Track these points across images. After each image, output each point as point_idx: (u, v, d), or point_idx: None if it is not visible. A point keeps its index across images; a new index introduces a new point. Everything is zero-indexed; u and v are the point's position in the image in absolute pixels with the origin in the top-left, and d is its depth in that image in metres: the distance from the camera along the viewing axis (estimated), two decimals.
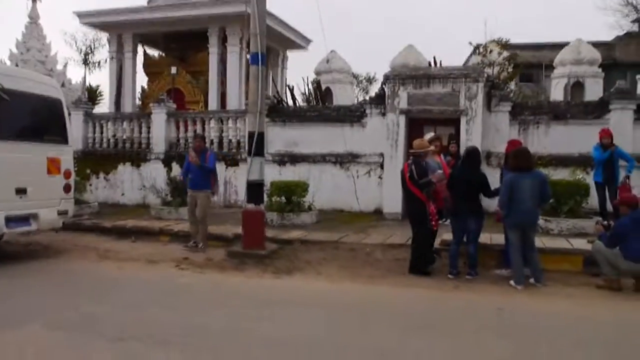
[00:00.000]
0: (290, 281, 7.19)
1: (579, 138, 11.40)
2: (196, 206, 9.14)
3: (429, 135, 8.67)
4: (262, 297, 6.28)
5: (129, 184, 14.87)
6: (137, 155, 14.92)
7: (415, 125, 12.07)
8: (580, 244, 8.00)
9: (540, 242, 7.73)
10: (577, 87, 17.14)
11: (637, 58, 23.88)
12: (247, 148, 8.97)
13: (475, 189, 7.22)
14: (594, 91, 16.72)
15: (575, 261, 7.66)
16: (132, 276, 7.36)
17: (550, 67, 21.03)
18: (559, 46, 20.66)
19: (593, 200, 9.96)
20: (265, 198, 10.00)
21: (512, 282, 6.83)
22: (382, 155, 12.37)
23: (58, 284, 6.93)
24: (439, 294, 6.51)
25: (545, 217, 9.25)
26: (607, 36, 25.87)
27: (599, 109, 11.71)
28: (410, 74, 12.16)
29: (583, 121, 11.68)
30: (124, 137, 15.33)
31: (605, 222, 7.40)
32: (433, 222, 7.31)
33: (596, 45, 18.67)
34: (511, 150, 7.32)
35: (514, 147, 7.44)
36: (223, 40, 21.10)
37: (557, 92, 17.41)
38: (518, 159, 6.92)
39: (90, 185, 14.87)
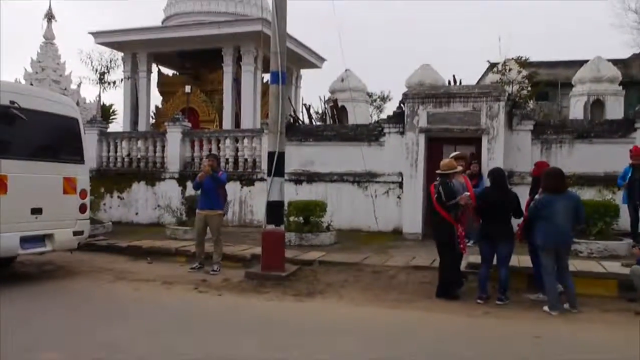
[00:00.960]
0: (313, 304, 6.92)
1: (604, 157, 11.14)
2: (205, 226, 8.89)
3: (453, 154, 8.42)
4: (286, 323, 6.02)
5: (143, 203, 14.73)
6: (152, 174, 14.81)
7: (435, 145, 11.86)
8: (614, 267, 7.69)
9: (571, 265, 7.40)
10: (597, 105, 16.86)
11: None
12: (266, 168, 8.77)
13: (508, 211, 6.94)
14: (614, 109, 16.44)
15: (610, 285, 7.33)
16: (149, 299, 7.13)
17: (566, 84, 20.79)
18: (574, 64, 20.45)
19: (623, 221, 9.64)
20: (283, 218, 9.79)
21: (545, 307, 6.52)
22: (401, 174, 12.15)
23: (74, 306, 6.71)
24: (469, 320, 6.21)
25: (574, 239, 8.92)
26: (624, 54, 25.57)
27: (625, 128, 11.44)
28: (430, 93, 11.97)
29: (608, 140, 11.43)
30: (139, 155, 15.23)
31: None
32: (461, 245, 7.04)
33: (613, 62, 18.41)
34: (541, 172, 7.06)
35: (541, 169, 7.19)
36: (237, 59, 21.13)
37: (576, 110, 17.12)
38: (551, 180, 6.65)
39: (104, 204, 14.76)
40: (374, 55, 58.83)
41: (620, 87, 17.37)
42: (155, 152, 15.05)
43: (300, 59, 23.10)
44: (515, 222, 7.09)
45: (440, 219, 7.13)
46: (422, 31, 64.00)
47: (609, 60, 17.97)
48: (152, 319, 6.13)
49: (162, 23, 23.57)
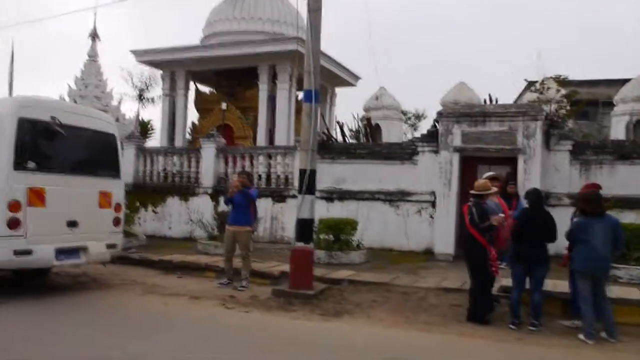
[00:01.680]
0: (340, 324, 6.83)
1: None
2: (234, 242, 8.92)
3: (488, 174, 8.25)
4: (314, 343, 5.94)
5: (176, 218, 14.93)
6: (186, 189, 15.02)
7: (469, 164, 11.68)
8: None
9: (610, 291, 7.11)
10: (639, 125, 16.34)
11: None
12: (297, 185, 8.77)
13: (545, 233, 6.72)
14: None
15: None
16: (178, 313, 7.17)
17: (606, 103, 20.27)
18: (616, 82, 19.97)
19: None
20: (313, 235, 9.76)
21: (581, 335, 6.26)
22: (433, 193, 11.98)
23: (105, 319, 6.81)
24: (502, 347, 6.01)
25: (613, 264, 8.59)
26: None
27: None
28: (464, 112, 11.83)
29: None
30: (174, 170, 15.50)
31: None
32: (494, 268, 6.86)
33: None
34: (581, 193, 6.84)
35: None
36: (272, 78, 21.39)
37: (618, 130, 16.63)
38: (589, 203, 6.44)
39: (139, 218, 15.02)
40: (410, 73, 58.74)
41: None
42: (190, 167, 15.29)
43: (335, 77, 23.22)
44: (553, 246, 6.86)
45: (473, 241, 6.96)
46: (460, 49, 63.54)
47: None
48: (180, 335, 6.14)
49: (201, 42, 24.10)
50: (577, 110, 16.55)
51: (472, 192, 7.26)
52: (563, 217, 8.40)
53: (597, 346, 6.07)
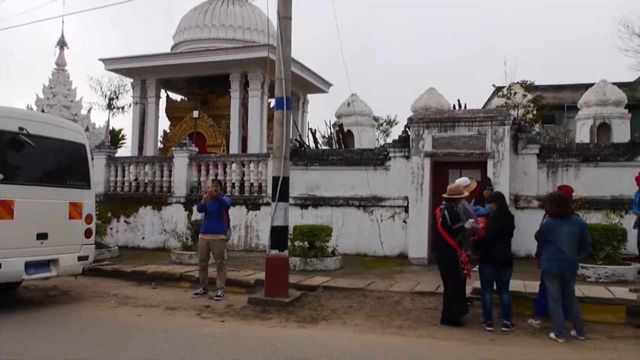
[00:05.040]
0: (316, 331, 6.85)
1: (610, 180, 11.10)
2: (208, 251, 8.87)
3: (464, 179, 8.40)
4: (290, 351, 5.94)
5: (149, 228, 14.77)
6: (158, 199, 14.87)
7: (440, 169, 11.86)
8: (622, 292, 7.57)
9: (578, 290, 7.32)
10: (603, 128, 16.84)
11: None
12: (271, 193, 8.78)
13: (510, 235, 6.90)
14: (621, 132, 16.42)
15: (618, 311, 7.20)
16: (152, 324, 7.10)
17: (571, 108, 20.81)
18: (580, 87, 20.53)
19: (630, 245, 9.53)
20: (288, 242, 9.77)
21: (552, 334, 6.41)
22: (406, 198, 12.13)
23: (78, 332, 6.68)
24: (475, 348, 6.11)
25: (581, 263, 8.83)
26: (630, 77, 25.59)
27: (631, 151, 11.39)
28: (434, 117, 12.02)
29: (614, 163, 11.39)
30: (146, 180, 15.33)
31: None
32: (465, 271, 6.98)
33: (619, 86, 18.44)
34: (549, 195, 7.03)
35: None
36: (245, 85, 21.37)
37: (582, 133, 17.12)
38: (555, 205, 6.62)
39: (111, 228, 14.81)
40: (381, 79, 59.31)
41: (626, 110, 17.35)
42: (162, 176, 15.15)
43: (306, 84, 23.32)
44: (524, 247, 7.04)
45: (444, 244, 7.08)
46: (429, 56, 64.50)
47: (614, 83, 18.01)
48: (155, 346, 6.08)
49: (171, 50, 23.95)
50: (543, 114, 16.99)
51: (445, 195, 7.40)
52: (532, 219, 8.64)
53: (568, 344, 6.23)
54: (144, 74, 22.76)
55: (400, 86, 58.33)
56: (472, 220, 7.27)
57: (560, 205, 6.58)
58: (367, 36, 65.67)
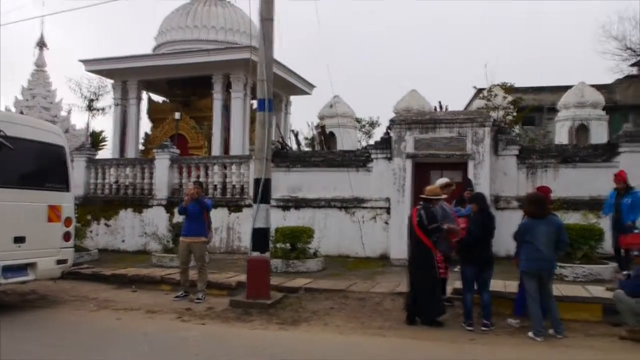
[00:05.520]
0: (297, 333, 6.85)
1: (588, 181, 11.26)
2: (189, 254, 8.82)
3: (443, 180, 8.49)
4: (271, 353, 5.95)
5: (130, 231, 14.63)
6: (139, 201, 14.75)
7: (421, 170, 11.93)
8: (598, 291, 7.69)
9: (556, 289, 7.41)
10: (581, 129, 17.09)
11: (637, 100, 23.98)
12: (252, 194, 8.77)
13: (491, 236, 6.98)
14: (598, 133, 16.67)
15: (594, 310, 7.32)
16: (133, 328, 7.04)
17: (551, 109, 21.08)
18: (559, 89, 20.78)
19: (607, 244, 9.69)
20: (270, 244, 9.76)
21: (530, 333, 6.49)
22: (388, 200, 12.18)
23: (56, 337, 6.60)
24: (455, 348, 6.17)
25: (559, 263, 8.96)
26: (607, 79, 26.11)
27: (608, 152, 11.58)
28: (416, 119, 12.10)
29: (592, 164, 11.56)
30: (127, 182, 15.19)
31: (625, 273, 7.10)
32: (441, 270, 7.05)
33: (597, 88, 18.73)
34: (527, 195, 7.13)
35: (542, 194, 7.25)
36: (227, 87, 21.32)
37: (561, 134, 17.35)
38: (531, 205, 6.72)
39: (91, 231, 14.65)
40: (364, 81, 59.54)
41: (604, 112, 17.62)
42: (143, 178, 15.02)
43: (289, 86, 23.34)
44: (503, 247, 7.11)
45: (419, 243, 7.13)
46: (412, 58, 64.90)
47: (592, 85, 18.29)
48: (133, 349, 6.04)
49: (153, 51, 23.79)
50: (523, 116, 17.17)
51: (422, 196, 7.47)
52: (512, 220, 8.73)
53: (546, 343, 6.32)
54: (125, 76, 22.59)
55: (382, 88, 58.60)
56: (450, 221, 7.34)
57: (536, 205, 6.68)
58: (350, 38, 65.90)
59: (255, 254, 8.35)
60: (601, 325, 6.96)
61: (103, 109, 27.17)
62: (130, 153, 22.20)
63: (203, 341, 6.47)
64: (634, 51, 24.83)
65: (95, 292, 9.37)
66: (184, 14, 23.42)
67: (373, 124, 25.96)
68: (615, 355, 5.90)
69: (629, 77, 25.32)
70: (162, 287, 9.67)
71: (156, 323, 7.30)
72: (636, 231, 8.72)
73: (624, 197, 9.26)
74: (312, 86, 24.94)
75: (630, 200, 9.20)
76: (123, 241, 14.65)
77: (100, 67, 22.64)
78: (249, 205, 12.78)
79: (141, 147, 23.27)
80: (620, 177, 9.53)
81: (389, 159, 12.28)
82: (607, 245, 9.70)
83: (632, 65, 25.77)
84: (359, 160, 12.95)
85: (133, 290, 9.58)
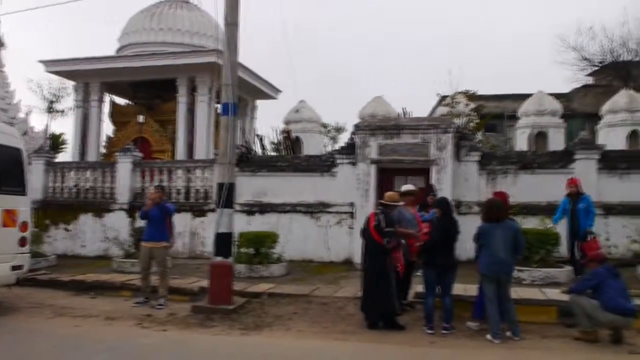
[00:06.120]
0: (259, 338, 6.83)
1: (546, 187, 11.55)
2: (151, 259, 8.69)
3: (407, 186, 8.62)
4: (231, 358, 5.90)
5: (90, 235, 14.30)
6: (100, 206, 14.44)
7: (385, 175, 12.05)
8: (554, 294, 7.90)
9: (514, 292, 7.57)
10: (540, 136, 17.58)
11: (593, 109, 24.82)
12: (216, 199, 8.70)
13: (454, 240, 7.10)
14: (556, 141, 17.18)
15: (550, 312, 7.53)
16: (91, 335, 6.88)
17: (512, 117, 21.61)
18: (520, 97, 21.33)
19: (563, 248, 9.99)
20: (234, 249, 9.69)
21: (488, 336, 6.63)
22: (352, 204, 12.25)
23: (11, 346, 6.40)
24: (415, 351, 6.26)
25: (517, 266, 9.16)
26: (566, 88, 26.96)
27: (565, 159, 11.94)
28: (380, 125, 12.23)
29: (550, 170, 11.90)
30: (87, 186, 14.86)
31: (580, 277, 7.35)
32: (400, 269, 7.18)
33: (556, 96, 19.32)
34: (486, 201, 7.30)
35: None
36: (192, 90, 21.11)
37: (521, 141, 17.81)
38: (488, 210, 6.90)
39: (50, 236, 14.26)
40: (330, 86, 59.83)
41: (562, 120, 18.18)
42: (104, 182, 14.71)
43: (255, 90, 23.27)
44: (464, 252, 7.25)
45: (374, 246, 7.23)
46: (379, 64, 65.57)
47: (551, 94, 18.85)
48: (90, 358, 5.90)
49: (117, 53, 23.37)
50: (485, 123, 17.57)
51: (381, 201, 7.59)
52: (473, 225, 8.84)
53: (504, 345, 6.46)
54: (87, 77, 22.12)
55: (349, 92, 58.97)
56: (408, 226, 7.52)
57: (493, 210, 6.86)
58: (316, 44, 66.17)
59: (218, 259, 8.28)
60: (557, 327, 7.16)
61: (64, 111, 26.58)
62: (92, 156, 21.72)
63: (163, 348, 6.38)
64: (590, 62, 25.70)
65: (53, 298, 9.12)
66: (149, 15, 23.09)
67: (339, 129, 26.17)
68: (570, 356, 6.08)
69: (585, 87, 26.21)
70: (122, 293, 9.48)
71: (115, 330, 7.16)
72: (591, 237, 9.05)
73: (578, 202, 9.58)
74: (278, 90, 24.91)
75: (583, 205, 9.54)
76: (83, 246, 14.31)
77: (61, 68, 22.11)
78: (213, 210, 12.62)
79: (103, 151, 22.79)
80: (572, 183, 9.85)
81: (354, 164, 12.36)
82: (563, 249, 10.00)
83: (589, 75, 26.70)
84: (324, 165, 13.00)
85: (92, 296, 9.36)
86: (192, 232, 13.56)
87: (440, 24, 67.24)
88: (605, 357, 6.07)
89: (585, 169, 11.60)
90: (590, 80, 26.77)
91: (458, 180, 12.02)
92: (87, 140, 22.17)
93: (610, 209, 11.40)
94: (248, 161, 13.61)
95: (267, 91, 24.04)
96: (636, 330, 6.69)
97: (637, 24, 24.32)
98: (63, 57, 21.97)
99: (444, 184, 11.53)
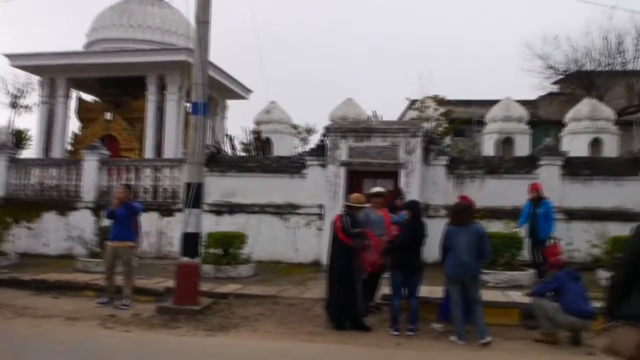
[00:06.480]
0: (225, 339, 6.78)
1: (511, 191, 11.76)
2: (115, 259, 8.56)
3: (376, 189, 8.69)
4: (195, 359, 5.85)
5: (54, 234, 13.99)
6: (65, 204, 14.14)
7: (355, 178, 12.13)
8: (517, 296, 8.07)
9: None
10: (507, 142, 17.96)
11: (558, 116, 25.47)
12: (184, 199, 8.61)
13: (421, 243, 7.19)
14: (522, 146, 17.58)
15: (513, 314, 7.69)
16: (52, 336, 6.73)
17: (480, 122, 22.03)
18: (488, 103, 21.74)
19: (526, 252, 10.22)
20: (201, 250, 9.61)
21: (453, 337, 6.74)
22: (321, 206, 12.29)
23: None
24: (382, 352, 6.31)
25: (482, 270, 9.32)
26: (532, 95, 27.54)
27: (530, 164, 12.21)
28: (351, 127, 12.31)
29: (515, 175, 12.14)
30: (52, 184, 14.54)
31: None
32: (368, 270, 7.28)
33: (522, 103, 19.78)
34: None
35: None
36: (161, 88, 20.83)
37: (489, 146, 18.15)
38: (454, 214, 7.06)
39: (12, 235, 13.87)
40: (301, 88, 59.84)
41: (528, 126, 18.61)
42: (69, 180, 14.41)
43: (226, 90, 23.09)
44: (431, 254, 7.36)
45: (342, 248, 7.27)
46: (350, 67, 65.86)
47: (518, 101, 19.29)
48: (51, 359, 5.77)
49: (85, 48, 22.89)
50: (453, 127, 17.84)
51: (347, 203, 7.66)
52: (440, 228, 8.96)
53: (468, 346, 6.57)
54: (54, 73, 21.60)
55: (320, 93, 59.06)
56: (374, 227, 7.61)
57: (458, 213, 6.98)
58: (287, 45, 66.05)
59: (185, 259, 8.19)
60: (519, 329, 7.31)
61: (28, 107, 25.92)
62: (57, 153, 21.21)
63: (126, 349, 6.29)
64: (556, 70, 26.35)
65: (13, 298, 8.88)
66: (119, 11, 22.67)
67: (310, 131, 26.19)
68: (531, 357, 6.23)
69: (551, 95, 26.87)
70: (86, 293, 9.29)
71: (77, 330, 7.02)
72: (552, 241, 9.30)
73: (538, 207, 9.83)
74: (249, 90, 24.78)
75: (543, 210, 9.79)
76: (46, 245, 13.98)
77: (26, 62, 21.56)
78: (181, 210, 12.50)
79: (69, 148, 22.30)
80: (534, 188, 10.09)
81: (324, 166, 12.40)
82: (527, 252, 10.22)
83: (554, 83, 27.37)
84: (294, 166, 13.00)
85: (54, 296, 9.14)
86: (160, 231, 13.39)
87: (410, 29, 68.01)
88: (565, 358, 6.23)
89: (549, 174, 11.89)
90: (555, 89, 27.43)
91: (426, 184, 12.17)
92: (53, 136, 21.64)
93: (573, 214, 11.70)
94: (217, 161, 13.52)
95: (238, 91, 23.88)
96: (594, 332, 6.88)
97: (599, 35, 24.91)
98: (29, 52, 21.42)
99: (412, 187, 11.66)
